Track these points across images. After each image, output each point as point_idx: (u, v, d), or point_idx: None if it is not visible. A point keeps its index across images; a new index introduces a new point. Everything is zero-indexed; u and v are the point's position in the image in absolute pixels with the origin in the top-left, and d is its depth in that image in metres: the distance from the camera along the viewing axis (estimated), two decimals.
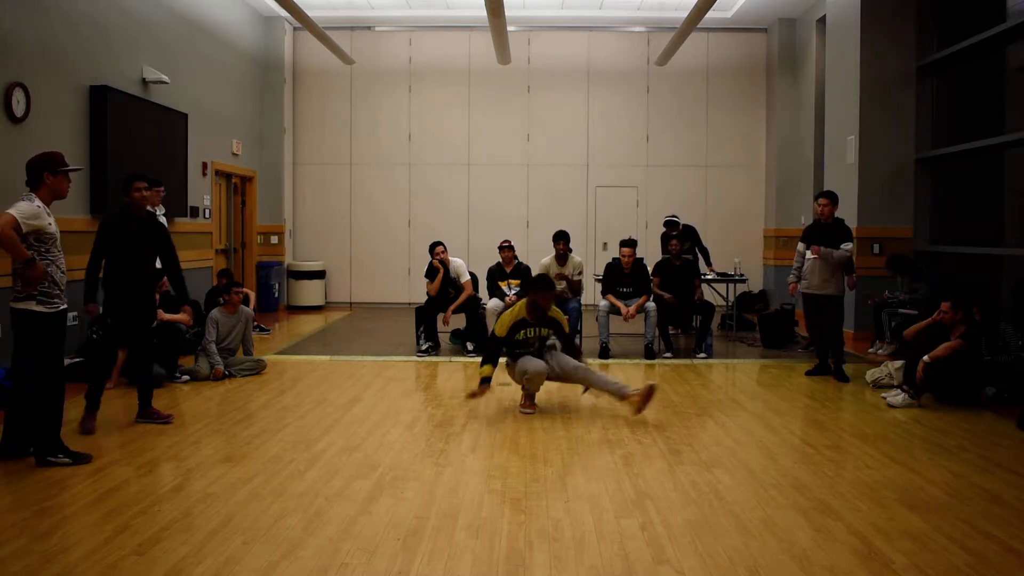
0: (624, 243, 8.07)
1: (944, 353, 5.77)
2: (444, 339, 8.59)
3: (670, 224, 9.15)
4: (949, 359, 5.76)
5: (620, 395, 5.46)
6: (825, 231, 6.81)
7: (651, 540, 3.30)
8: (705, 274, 9.06)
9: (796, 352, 8.24)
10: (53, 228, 4.26)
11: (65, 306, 4.37)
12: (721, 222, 12.18)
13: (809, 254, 6.80)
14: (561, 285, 7.85)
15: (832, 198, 6.87)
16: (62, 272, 4.33)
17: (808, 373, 7.03)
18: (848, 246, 6.72)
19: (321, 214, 12.53)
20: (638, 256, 8.11)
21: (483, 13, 9.45)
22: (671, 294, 8.08)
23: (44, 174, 4.26)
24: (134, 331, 5.28)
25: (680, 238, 8.52)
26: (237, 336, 6.96)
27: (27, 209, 4.11)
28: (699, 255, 9.52)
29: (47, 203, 4.27)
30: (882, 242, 8.78)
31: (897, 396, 5.89)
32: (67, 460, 4.27)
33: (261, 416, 5.46)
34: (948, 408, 5.75)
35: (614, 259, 8.16)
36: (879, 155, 8.88)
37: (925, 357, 5.79)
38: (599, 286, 8.40)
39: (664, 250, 9.06)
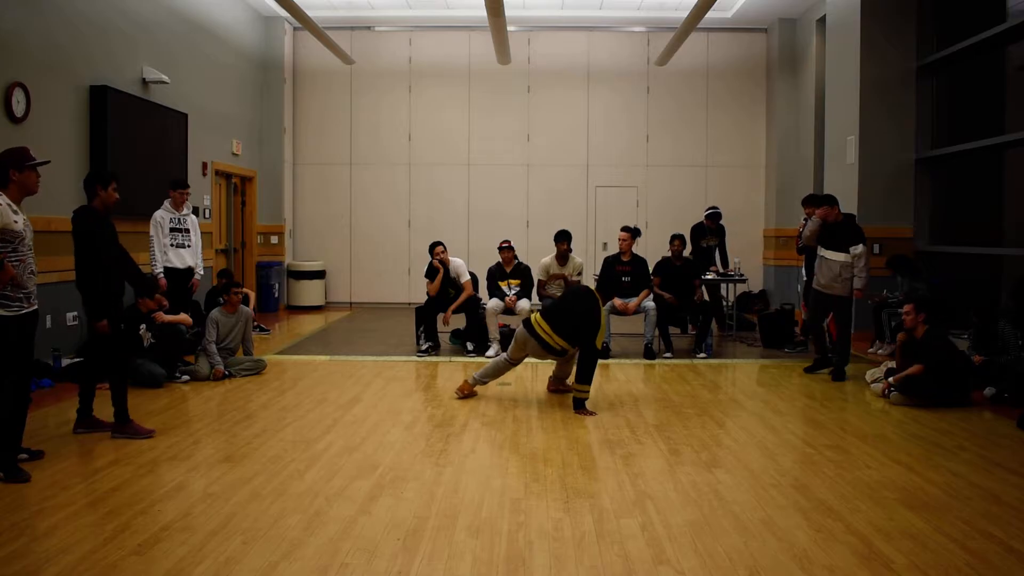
0: (624, 228, 8.05)
1: (905, 374, 5.90)
2: (444, 339, 8.58)
3: (712, 216, 9.50)
4: (914, 379, 5.87)
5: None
6: (833, 233, 6.76)
7: (651, 540, 3.30)
8: (706, 274, 9.06)
9: (794, 352, 8.22)
10: (20, 226, 4.02)
11: (30, 308, 4.09)
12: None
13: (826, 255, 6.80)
14: (558, 283, 7.89)
15: (830, 202, 6.83)
16: (32, 273, 4.09)
17: (807, 370, 7.03)
18: (857, 249, 6.63)
19: (321, 214, 12.52)
20: (638, 256, 8.10)
21: (483, 13, 9.45)
22: (671, 294, 8.08)
23: (10, 171, 4.04)
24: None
25: (717, 234, 9.41)
26: (237, 336, 6.97)
27: None
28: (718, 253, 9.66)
29: (17, 201, 4.08)
30: (882, 242, 8.77)
31: (878, 384, 6.13)
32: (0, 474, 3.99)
33: (261, 416, 5.46)
34: (948, 408, 5.74)
35: (611, 256, 8.14)
36: (879, 155, 8.88)
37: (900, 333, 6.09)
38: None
39: (696, 241, 9.49)
